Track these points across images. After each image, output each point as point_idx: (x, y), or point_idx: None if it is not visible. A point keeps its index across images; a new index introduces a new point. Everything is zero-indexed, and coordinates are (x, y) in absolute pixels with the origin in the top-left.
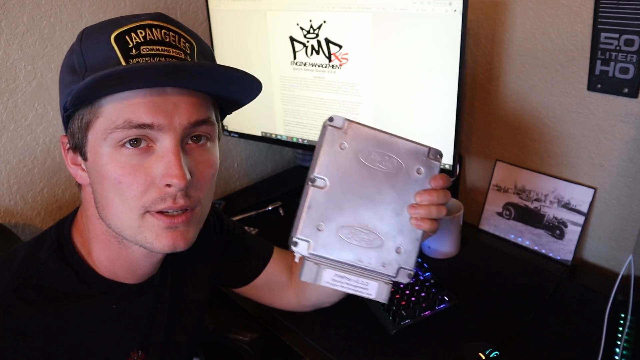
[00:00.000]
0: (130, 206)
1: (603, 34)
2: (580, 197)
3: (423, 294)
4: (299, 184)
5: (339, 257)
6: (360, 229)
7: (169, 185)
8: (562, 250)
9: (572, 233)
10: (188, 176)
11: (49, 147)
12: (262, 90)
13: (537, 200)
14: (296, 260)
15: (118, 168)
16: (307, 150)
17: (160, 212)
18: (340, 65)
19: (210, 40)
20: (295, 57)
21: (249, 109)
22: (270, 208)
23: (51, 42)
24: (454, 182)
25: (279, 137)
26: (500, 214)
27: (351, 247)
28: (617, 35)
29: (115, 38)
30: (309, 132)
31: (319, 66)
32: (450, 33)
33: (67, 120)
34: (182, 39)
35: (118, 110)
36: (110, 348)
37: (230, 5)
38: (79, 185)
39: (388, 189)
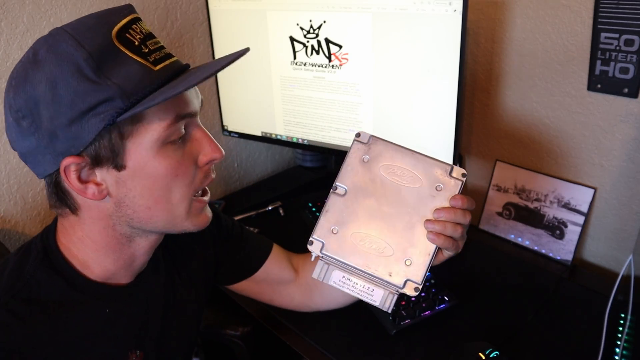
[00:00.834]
0: (185, 194)
1: (603, 34)
2: (580, 197)
3: (423, 294)
4: (299, 184)
5: (348, 261)
6: (373, 236)
7: (209, 162)
8: (562, 250)
9: (572, 233)
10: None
11: None
12: (262, 90)
13: (537, 200)
14: (312, 259)
15: (172, 163)
16: (307, 150)
17: (198, 197)
18: (340, 65)
19: (210, 40)
20: (295, 57)
21: (249, 109)
22: (270, 208)
23: None
24: None
25: (279, 137)
26: (500, 214)
27: (361, 253)
28: (617, 35)
29: (117, 37)
30: (309, 132)
31: (319, 66)
32: (450, 33)
33: (94, 135)
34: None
35: (163, 110)
36: (107, 352)
37: (230, 5)
38: (69, 206)
39: (405, 202)
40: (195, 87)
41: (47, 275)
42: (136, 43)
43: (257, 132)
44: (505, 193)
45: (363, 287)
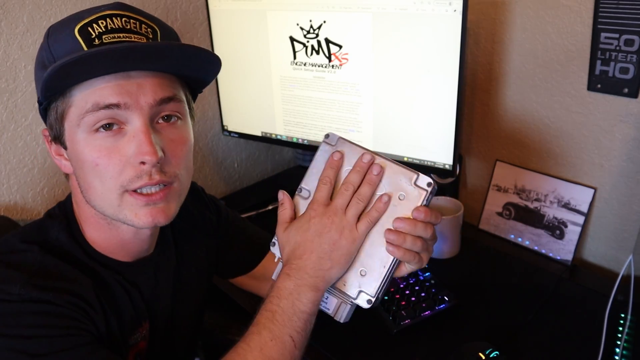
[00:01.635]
0: (109, 187)
1: (603, 34)
2: (580, 197)
3: (423, 294)
4: (299, 184)
5: None
6: None
7: (143, 163)
8: (562, 250)
9: (572, 233)
10: (160, 153)
11: None
12: (262, 90)
13: (537, 200)
14: (275, 260)
15: (94, 151)
16: (307, 150)
17: (138, 192)
18: (340, 65)
19: (210, 40)
20: (295, 57)
21: (249, 109)
22: (270, 208)
23: None
24: (454, 182)
25: (279, 137)
26: (500, 214)
27: None
28: (617, 35)
29: (79, 30)
30: (309, 132)
31: (319, 66)
32: (450, 33)
33: (44, 113)
34: (143, 25)
35: (86, 96)
36: (131, 313)
37: (230, 5)
38: (67, 175)
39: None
40: (155, 80)
41: (67, 240)
42: (92, 35)
43: (257, 132)
44: (505, 193)
45: None
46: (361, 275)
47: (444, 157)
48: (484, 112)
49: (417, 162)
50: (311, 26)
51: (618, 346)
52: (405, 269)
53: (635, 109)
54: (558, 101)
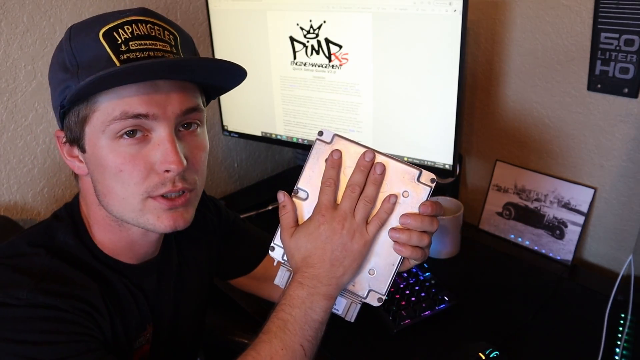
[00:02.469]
0: (133, 192)
1: (603, 34)
2: (580, 197)
3: (423, 294)
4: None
5: None
6: None
7: (167, 171)
8: (562, 250)
9: (572, 233)
10: (184, 161)
11: (49, 147)
12: (262, 90)
13: (537, 200)
14: (274, 264)
15: (118, 158)
16: (307, 150)
17: (161, 196)
18: (340, 65)
19: (210, 40)
20: (295, 57)
21: (249, 109)
22: (270, 208)
23: (51, 42)
24: (454, 182)
25: (279, 137)
26: (500, 214)
27: None
28: (617, 35)
29: (104, 35)
30: (309, 132)
31: (319, 66)
32: (450, 33)
33: (62, 116)
34: (166, 32)
35: (114, 104)
36: (134, 318)
37: (230, 5)
38: (76, 176)
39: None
40: (185, 92)
41: (75, 243)
42: (118, 41)
43: (257, 132)
44: (505, 193)
45: None
46: (370, 274)
47: (444, 157)
48: (484, 112)
49: (417, 162)
50: (311, 26)
51: (618, 346)
52: (409, 264)
53: (635, 109)
54: (558, 101)
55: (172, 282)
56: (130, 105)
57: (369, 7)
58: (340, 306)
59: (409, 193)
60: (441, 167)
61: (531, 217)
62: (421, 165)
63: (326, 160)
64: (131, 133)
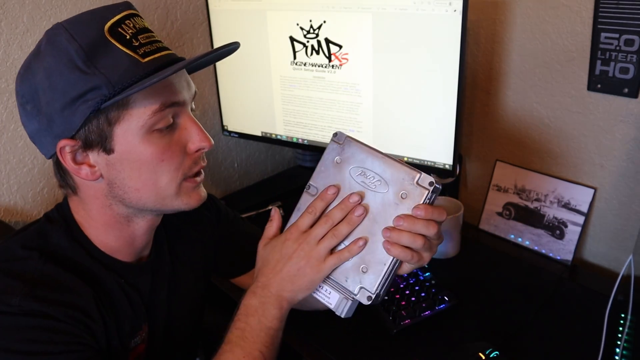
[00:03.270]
0: (173, 177)
1: (603, 34)
2: (580, 197)
3: (423, 294)
4: (299, 184)
5: None
6: None
7: (197, 151)
8: (562, 250)
9: (572, 233)
10: (211, 139)
11: None
12: (262, 90)
13: (537, 200)
14: None
15: (157, 149)
16: (307, 150)
17: (190, 177)
18: (340, 65)
19: (210, 40)
20: (295, 57)
21: (249, 109)
22: (270, 208)
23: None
24: (454, 182)
25: (279, 137)
26: (500, 214)
27: None
28: (617, 35)
29: (109, 31)
30: (309, 132)
31: (319, 66)
32: (450, 33)
33: (84, 122)
34: (144, 20)
35: (151, 98)
36: (131, 317)
37: (230, 5)
38: (61, 186)
39: (367, 208)
40: (188, 77)
41: (70, 243)
42: (127, 37)
43: (257, 132)
44: (505, 193)
45: (321, 288)
46: (362, 271)
47: (444, 157)
48: (484, 112)
49: (417, 162)
50: (311, 26)
51: (618, 346)
52: (406, 267)
53: (635, 109)
54: (558, 101)
55: (166, 281)
56: (165, 96)
57: (369, 7)
58: (333, 300)
59: (407, 195)
60: (441, 167)
61: (531, 217)
62: (421, 166)
63: (336, 160)
64: (169, 126)
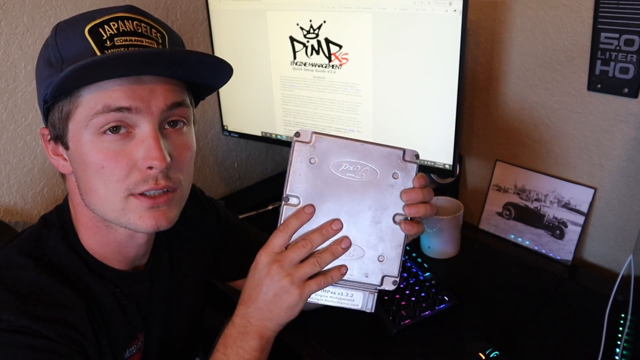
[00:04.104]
0: (114, 190)
1: (603, 34)
2: (580, 197)
3: (423, 294)
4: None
5: None
6: None
7: (150, 168)
8: (562, 250)
9: (572, 233)
10: (168, 158)
11: None
12: (262, 90)
13: (537, 200)
14: None
15: (100, 154)
16: None
17: (143, 194)
18: (340, 65)
19: (210, 40)
20: (295, 57)
21: (249, 109)
22: (270, 208)
23: None
24: (454, 182)
25: (279, 137)
26: (500, 214)
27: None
28: (617, 35)
29: (89, 31)
30: None
31: (319, 66)
32: (450, 33)
33: (46, 112)
34: (153, 29)
35: (96, 97)
36: (125, 328)
37: (230, 5)
38: (63, 176)
39: (364, 198)
40: (167, 87)
41: (66, 251)
42: (104, 37)
43: (257, 132)
44: (505, 193)
45: (342, 295)
46: (380, 261)
47: (444, 157)
48: (484, 112)
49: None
50: (311, 26)
51: (618, 346)
52: (410, 238)
53: (635, 109)
54: (558, 101)
55: (165, 287)
56: (113, 99)
57: (369, 7)
58: (358, 301)
59: (399, 174)
60: (441, 167)
61: (531, 217)
62: (421, 166)
63: (310, 161)
64: (114, 129)
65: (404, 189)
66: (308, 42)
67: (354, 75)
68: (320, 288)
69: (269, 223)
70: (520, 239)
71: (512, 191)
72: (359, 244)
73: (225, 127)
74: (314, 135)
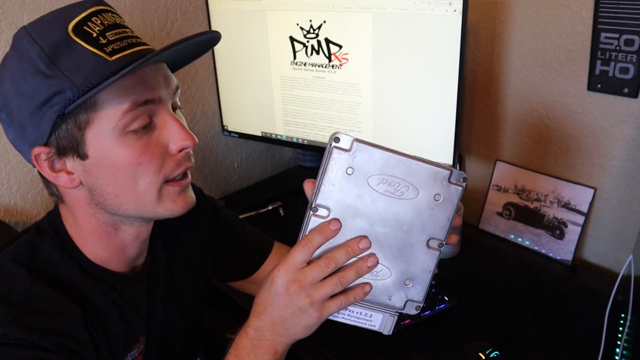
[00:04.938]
0: (152, 181)
1: (603, 34)
2: (580, 197)
3: None
4: (299, 184)
5: None
6: None
7: (180, 151)
8: (562, 250)
9: (572, 233)
10: (195, 137)
11: None
12: (262, 90)
13: (537, 200)
14: None
15: (134, 152)
16: (307, 150)
17: (174, 180)
18: (340, 65)
19: None
20: (295, 57)
21: (249, 109)
22: (270, 208)
23: None
24: None
25: (279, 137)
26: (500, 214)
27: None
28: (617, 35)
29: (74, 30)
30: (309, 132)
31: (319, 66)
32: (450, 33)
33: (54, 127)
34: (117, 16)
35: (121, 98)
36: (123, 333)
37: (230, 5)
38: (56, 197)
39: (400, 219)
40: (166, 72)
41: (62, 257)
42: (94, 34)
43: (257, 132)
44: (505, 193)
45: (360, 314)
46: (406, 285)
47: (444, 157)
48: (484, 112)
49: None
50: (311, 26)
51: (618, 346)
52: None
53: (635, 109)
54: (558, 101)
55: (162, 287)
56: (137, 94)
57: (369, 7)
58: (377, 322)
59: (441, 196)
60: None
61: (531, 217)
62: None
63: (347, 172)
64: (145, 127)
65: (440, 216)
66: (308, 42)
67: (354, 75)
68: (341, 309)
69: (269, 223)
70: (520, 239)
71: (512, 191)
72: (386, 264)
73: (225, 127)
74: (355, 142)
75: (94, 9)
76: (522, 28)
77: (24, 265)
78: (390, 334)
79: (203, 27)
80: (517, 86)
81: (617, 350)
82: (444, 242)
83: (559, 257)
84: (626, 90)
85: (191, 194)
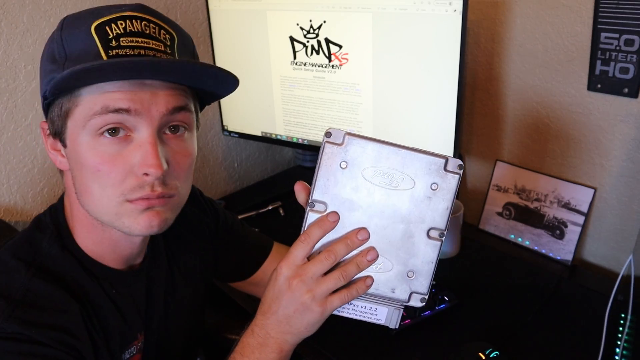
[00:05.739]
0: (109, 194)
1: (603, 34)
2: (580, 197)
3: None
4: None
5: None
6: None
7: (146, 174)
8: (562, 250)
9: (572, 233)
10: (165, 166)
11: None
12: (262, 90)
13: (537, 200)
14: None
15: (97, 157)
16: (307, 150)
17: (132, 199)
18: (340, 65)
19: (210, 40)
20: (295, 57)
21: (249, 109)
22: (270, 208)
23: None
24: None
25: (279, 137)
26: (500, 214)
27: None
28: (617, 35)
29: (96, 28)
30: (309, 132)
31: (319, 66)
32: (450, 33)
33: (47, 107)
34: (162, 31)
35: (96, 98)
36: (121, 330)
37: (230, 5)
38: (61, 172)
39: (398, 210)
40: (170, 92)
41: (61, 253)
42: (110, 36)
43: (257, 132)
44: (505, 193)
45: (365, 309)
46: (409, 277)
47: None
48: (484, 112)
49: None
50: (311, 26)
51: (618, 346)
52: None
53: (635, 109)
54: (558, 101)
55: (162, 288)
56: (112, 100)
57: (369, 7)
58: (382, 316)
59: (438, 185)
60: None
61: (531, 217)
62: None
63: (341, 165)
64: (113, 131)
65: (437, 205)
66: (308, 42)
67: (354, 75)
68: (344, 303)
69: (269, 223)
70: (520, 239)
71: (512, 191)
72: (387, 257)
73: (225, 127)
74: (346, 136)
75: (127, 13)
76: (522, 28)
77: (23, 260)
78: (397, 327)
79: (203, 27)
80: (517, 86)
81: (617, 350)
82: (445, 232)
83: (559, 257)
84: (626, 90)
85: (162, 215)
